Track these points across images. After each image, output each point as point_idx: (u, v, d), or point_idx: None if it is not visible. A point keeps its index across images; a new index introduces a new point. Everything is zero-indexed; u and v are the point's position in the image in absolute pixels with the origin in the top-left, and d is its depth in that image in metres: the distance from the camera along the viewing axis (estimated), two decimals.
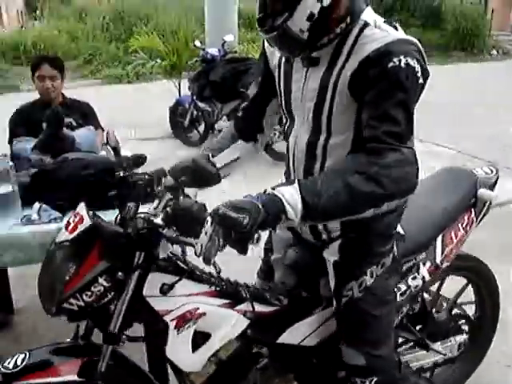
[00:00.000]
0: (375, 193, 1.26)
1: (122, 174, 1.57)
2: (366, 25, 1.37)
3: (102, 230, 1.39)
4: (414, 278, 1.75)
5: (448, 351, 1.99)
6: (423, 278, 1.76)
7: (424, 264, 1.76)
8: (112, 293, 1.38)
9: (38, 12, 13.80)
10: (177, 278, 1.45)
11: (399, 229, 1.63)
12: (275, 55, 1.56)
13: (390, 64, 1.28)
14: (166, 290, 1.45)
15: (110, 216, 1.58)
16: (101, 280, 1.36)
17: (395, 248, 1.58)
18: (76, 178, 2.11)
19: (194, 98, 6.00)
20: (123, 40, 12.12)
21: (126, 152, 2.97)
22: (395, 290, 1.67)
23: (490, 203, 1.92)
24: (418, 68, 1.30)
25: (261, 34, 1.43)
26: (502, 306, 2.87)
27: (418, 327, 2.01)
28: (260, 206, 1.20)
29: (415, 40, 1.36)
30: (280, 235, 1.74)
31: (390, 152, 1.27)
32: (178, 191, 1.50)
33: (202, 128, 6.13)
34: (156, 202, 1.47)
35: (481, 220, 1.93)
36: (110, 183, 1.69)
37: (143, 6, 13.34)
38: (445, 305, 2.14)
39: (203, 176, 1.54)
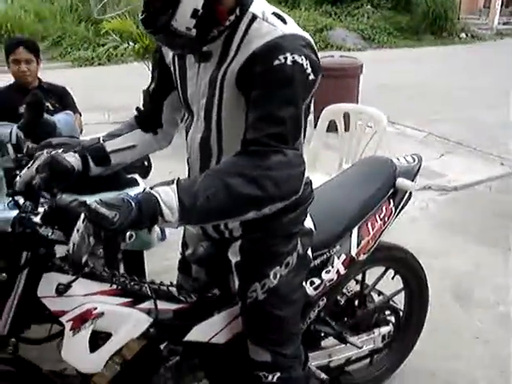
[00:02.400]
0: (255, 195, 1.21)
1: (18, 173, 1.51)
2: (254, 18, 1.30)
3: None
4: (328, 272, 1.71)
5: (371, 343, 1.98)
6: (338, 271, 1.73)
7: (338, 257, 1.73)
8: None
9: None
10: (73, 278, 1.41)
11: (309, 223, 1.58)
12: (169, 50, 1.49)
13: (276, 62, 1.22)
14: (61, 290, 1.40)
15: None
16: None
17: (299, 245, 1.54)
18: None
19: None
20: (92, 21, 11.86)
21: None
22: (304, 285, 1.64)
23: (411, 193, 1.89)
24: (306, 64, 1.24)
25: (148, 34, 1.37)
26: (469, 286, 3.06)
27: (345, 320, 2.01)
28: (133, 204, 1.15)
29: (304, 34, 1.30)
30: (191, 230, 1.69)
31: (272, 154, 1.22)
32: (53, 188, 1.44)
33: None
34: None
35: (401, 210, 1.90)
36: None
37: None
38: (376, 297, 2.14)
39: (60, 172, 1.46)
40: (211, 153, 1.44)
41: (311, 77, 1.27)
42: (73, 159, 1.51)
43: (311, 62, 1.26)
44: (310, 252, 1.62)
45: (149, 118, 1.65)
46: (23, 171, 1.49)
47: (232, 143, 1.38)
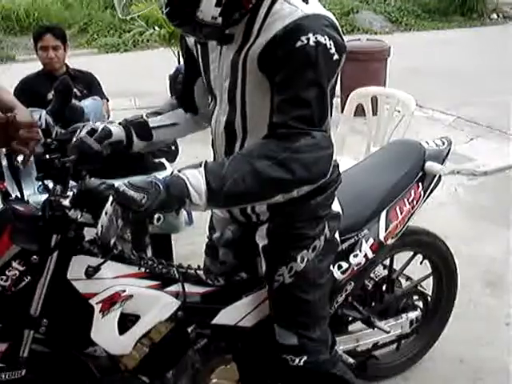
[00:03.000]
0: (283, 178, 1.20)
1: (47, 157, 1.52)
2: None
3: (16, 214, 1.36)
4: (356, 256, 1.70)
5: (398, 328, 1.96)
6: (366, 255, 1.72)
7: (366, 241, 1.71)
8: (28, 277, 1.35)
9: None
10: (102, 260, 1.42)
11: (336, 207, 1.57)
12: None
13: (298, 43, 1.21)
14: (91, 272, 1.41)
15: None
16: (14, 264, 1.33)
17: (327, 229, 1.53)
18: None
19: None
20: None
21: None
22: (331, 269, 1.63)
23: (440, 177, 1.86)
24: (329, 44, 1.22)
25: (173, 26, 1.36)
26: (499, 271, 2.98)
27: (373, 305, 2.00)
28: (161, 187, 1.15)
29: (327, 13, 1.28)
30: (219, 214, 1.70)
31: (300, 136, 1.21)
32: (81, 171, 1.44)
33: None
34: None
35: (430, 194, 1.87)
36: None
37: None
38: (404, 282, 2.12)
39: (89, 155, 1.47)
40: (236, 136, 1.44)
41: (335, 57, 1.25)
42: (117, 130, 1.54)
43: (335, 41, 1.24)
44: (337, 236, 1.61)
45: (184, 101, 1.67)
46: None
47: (256, 125, 1.38)
